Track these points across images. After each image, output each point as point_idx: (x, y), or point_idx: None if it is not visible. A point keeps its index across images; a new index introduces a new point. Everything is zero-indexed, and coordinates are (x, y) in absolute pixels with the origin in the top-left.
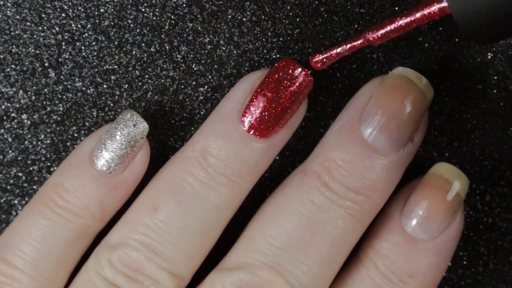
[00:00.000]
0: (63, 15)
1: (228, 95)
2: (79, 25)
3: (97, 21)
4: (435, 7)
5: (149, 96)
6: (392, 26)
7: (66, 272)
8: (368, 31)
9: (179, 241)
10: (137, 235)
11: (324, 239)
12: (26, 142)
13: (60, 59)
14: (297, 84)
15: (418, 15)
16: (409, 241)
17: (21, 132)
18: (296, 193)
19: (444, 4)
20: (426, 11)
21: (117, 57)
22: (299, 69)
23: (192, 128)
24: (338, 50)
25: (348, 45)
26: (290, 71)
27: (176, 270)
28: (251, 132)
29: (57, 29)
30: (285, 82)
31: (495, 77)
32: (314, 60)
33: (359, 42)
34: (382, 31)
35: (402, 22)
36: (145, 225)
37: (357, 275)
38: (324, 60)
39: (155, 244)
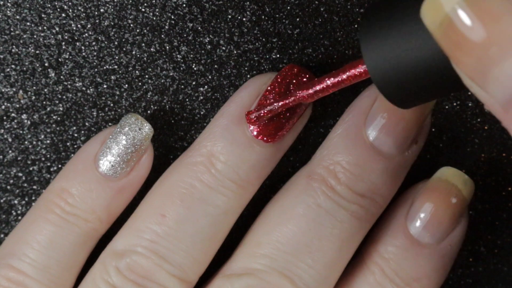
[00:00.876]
0: (63, 15)
1: (234, 98)
2: (79, 25)
3: (97, 21)
4: (361, 69)
5: (149, 96)
6: (320, 87)
7: (73, 276)
8: (299, 89)
9: (189, 247)
10: (145, 242)
11: (331, 243)
12: (26, 142)
13: (60, 59)
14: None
15: (345, 76)
16: (415, 245)
17: (21, 132)
18: (302, 197)
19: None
20: (352, 72)
21: (117, 57)
22: (306, 74)
23: (192, 128)
24: (271, 107)
25: (280, 103)
26: (297, 76)
27: (186, 276)
28: (259, 137)
29: (57, 29)
30: (293, 87)
31: None
32: (249, 116)
33: (290, 100)
34: (311, 91)
35: (329, 82)
36: (154, 232)
37: (362, 279)
38: (258, 116)
39: (164, 251)
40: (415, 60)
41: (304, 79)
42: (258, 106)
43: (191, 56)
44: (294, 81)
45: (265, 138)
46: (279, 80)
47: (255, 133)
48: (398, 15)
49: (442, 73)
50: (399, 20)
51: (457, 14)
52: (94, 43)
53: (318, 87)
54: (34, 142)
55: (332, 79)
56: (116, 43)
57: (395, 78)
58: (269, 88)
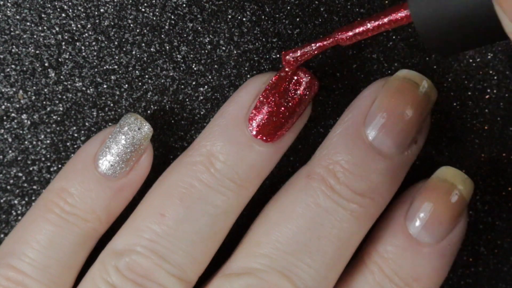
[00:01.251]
0: (63, 15)
1: (233, 98)
2: (79, 25)
3: (97, 21)
4: (402, 13)
5: (149, 96)
6: (360, 29)
7: (73, 276)
8: (337, 31)
9: (188, 247)
10: (144, 242)
11: (330, 242)
12: (26, 142)
13: (60, 59)
14: (304, 88)
15: (386, 19)
16: (414, 244)
17: (21, 132)
18: (302, 197)
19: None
20: (393, 16)
21: (117, 57)
22: (306, 74)
23: (192, 128)
24: (307, 48)
25: (318, 44)
26: (297, 76)
27: (185, 276)
28: (259, 137)
29: (57, 29)
30: (292, 86)
31: (495, 77)
32: (286, 57)
33: (328, 41)
34: (350, 33)
35: (370, 25)
36: (153, 232)
37: (362, 278)
38: (295, 57)
39: (164, 251)
40: (459, 7)
41: (303, 78)
42: (296, 49)
43: (191, 56)
44: (294, 80)
45: (264, 138)
46: (278, 79)
47: (254, 132)
48: None
49: (485, 21)
50: None
51: None
52: (94, 43)
53: (357, 30)
54: (34, 142)
55: (372, 22)
56: (116, 43)
57: (437, 24)
58: (268, 87)
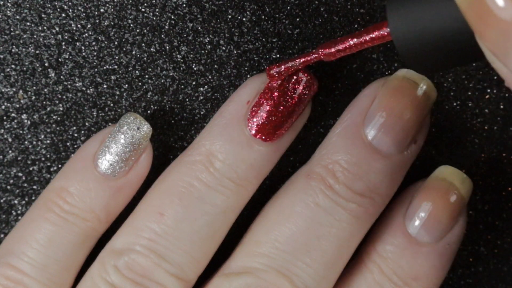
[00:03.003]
0: (63, 15)
1: (232, 98)
2: (79, 25)
3: (97, 21)
4: (384, 31)
5: (149, 96)
6: (342, 46)
7: (72, 275)
8: (321, 47)
9: (188, 246)
10: (144, 241)
11: (330, 242)
12: (26, 142)
13: (60, 59)
14: (303, 87)
15: (368, 37)
16: (413, 244)
17: (21, 132)
18: (301, 196)
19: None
20: (375, 34)
21: (117, 57)
22: (305, 73)
23: (192, 128)
24: (292, 63)
25: (302, 59)
26: (296, 75)
27: (184, 275)
28: (258, 136)
29: (57, 29)
30: (291, 85)
31: (495, 77)
32: (270, 71)
33: (312, 57)
34: (333, 49)
35: (352, 42)
36: (152, 231)
37: (361, 278)
38: (279, 71)
39: (163, 250)
40: (439, 29)
41: (303, 78)
42: (280, 63)
43: (191, 56)
44: (293, 79)
45: (263, 137)
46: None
47: (253, 132)
48: None
49: (464, 44)
50: None
51: None
52: (94, 43)
53: (340, 46)
54: (34, 142)
55: (355, 39)
56: (116, 43)
57: (417, 44)
58: (267, 87)
